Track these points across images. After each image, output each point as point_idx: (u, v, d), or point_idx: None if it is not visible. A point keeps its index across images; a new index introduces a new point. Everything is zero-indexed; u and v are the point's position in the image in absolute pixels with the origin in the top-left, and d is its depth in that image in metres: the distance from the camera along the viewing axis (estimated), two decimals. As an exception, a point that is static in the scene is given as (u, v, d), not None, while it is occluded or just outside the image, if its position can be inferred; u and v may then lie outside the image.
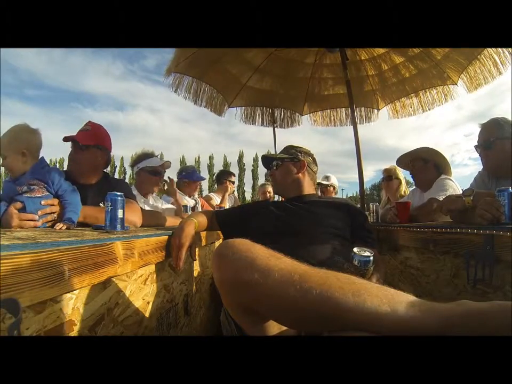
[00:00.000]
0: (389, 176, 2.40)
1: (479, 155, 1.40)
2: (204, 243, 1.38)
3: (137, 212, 1.29)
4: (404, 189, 2.35)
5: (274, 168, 1.28)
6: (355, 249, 0.83)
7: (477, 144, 1.40)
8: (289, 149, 1.31)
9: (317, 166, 1.34)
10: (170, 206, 2.12)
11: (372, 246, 1.13)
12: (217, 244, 1.62)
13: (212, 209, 2.27)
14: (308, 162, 1.27)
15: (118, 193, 0.90)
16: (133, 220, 1.22)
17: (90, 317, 0.59)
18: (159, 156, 2.22)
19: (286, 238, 1.04)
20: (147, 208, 1.84)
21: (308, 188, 1.27)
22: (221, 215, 1.26)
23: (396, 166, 2.22)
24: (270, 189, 3.20)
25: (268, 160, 1.33)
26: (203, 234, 1.36)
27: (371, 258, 0.82)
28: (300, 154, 1.28)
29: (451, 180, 1.69)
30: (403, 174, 2.36)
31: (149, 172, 1.97)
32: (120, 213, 0.89)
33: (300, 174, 1.25)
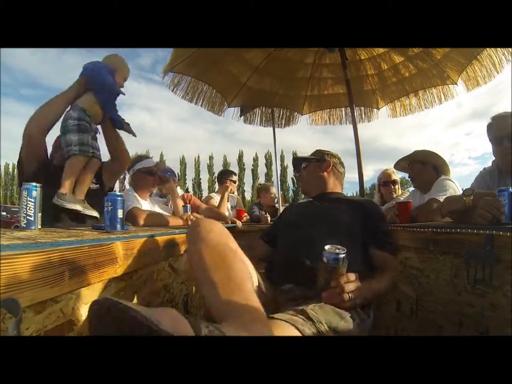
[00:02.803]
0: (386, 180, 2.41)
1: (494, 149, 1.37)
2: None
3: None
4: (398, 191, 2.35)
5: (303, 169, 1.39)
6: (326, 246, 0.83)
7: (489, 138, 1.37)
8: (317, 152, 1.42)
9: (344, 168, 1.42)
10: (163, 210, 2.13)
11: (388, 250, 1.10)
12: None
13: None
14: (333, 162, 1.35)
15: (118, 193, 0.90)
16: None
17: (90, 317, 0.59)
18: (156, 157, 2.23)
19: (294, 231, 1.13)
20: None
21: (333, 187, 1.34)
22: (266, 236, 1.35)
23: (392, 169, 2.24)
24: (274, 190, 3.17)
25: (297, 161, 1.43)
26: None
27: (340, 256, 0.80)
28: (326, 155, 1.37)
29: (451, 180, 1.69)
30: (398, 175, 2.38)
31: (143, 172, 1.97)
32: (120, 213, 0.89)
33: (324, 173, 1.34)
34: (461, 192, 1.37)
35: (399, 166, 1.98)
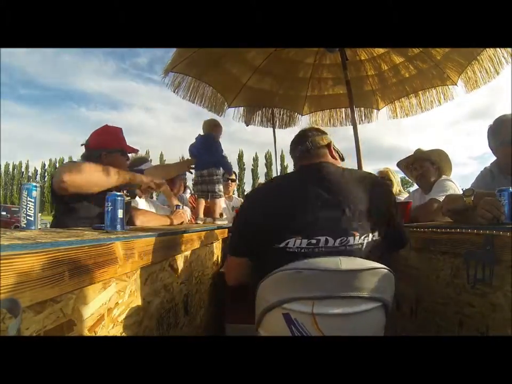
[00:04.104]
0: (382, 177, 2.43)
1: (495, 151, 1.37)
2: (204, 243, 1.38)
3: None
4: (399, 189, 2.36)
5: None
6: None
7: (493, 140, 1.37)
8: None
9: None
10: (164, 211, 2.16)
11: None
12: (216, 244, 1.62)
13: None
14: None
15: (118, 193, 0.90)
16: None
17: (90, 317, 0.59)
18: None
19: None
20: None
21: None
22: None
23: (389, 168, 2.25)
24: None
25: None
26: (203, 234, 1.36)
27: None
28: None
29: (451, 180, 1.69)
30: (397, 175, 2.39)
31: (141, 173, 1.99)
32: (120, 213, 0.89)
33: None
34: (461, 192, 1.37)
35: (401, 164, 1.96)
